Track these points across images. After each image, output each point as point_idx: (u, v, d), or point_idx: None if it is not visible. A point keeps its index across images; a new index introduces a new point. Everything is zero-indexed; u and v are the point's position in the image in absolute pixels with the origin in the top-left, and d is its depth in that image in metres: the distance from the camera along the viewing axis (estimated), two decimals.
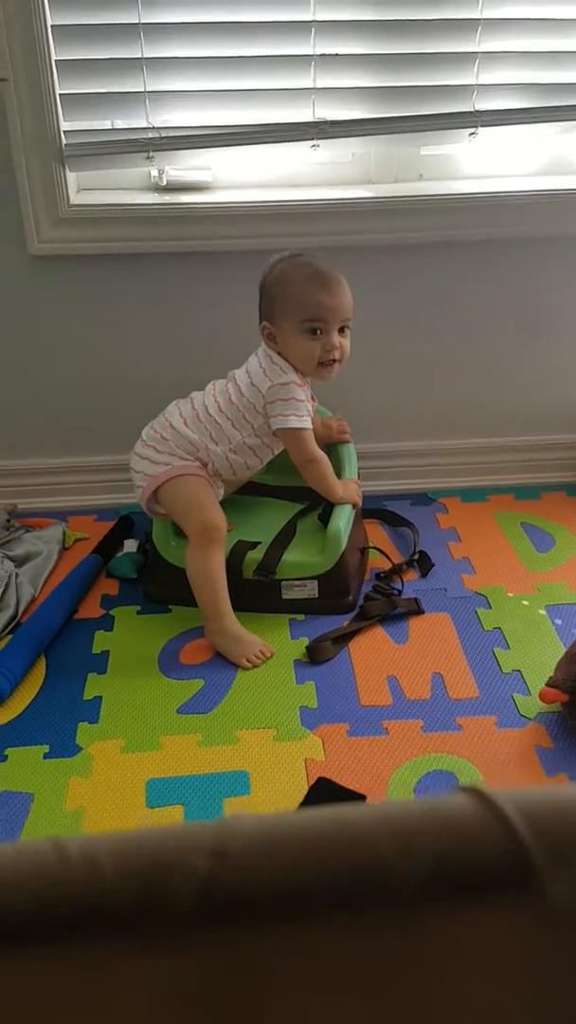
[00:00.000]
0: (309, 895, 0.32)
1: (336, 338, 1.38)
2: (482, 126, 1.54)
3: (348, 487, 1.52)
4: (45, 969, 0.31)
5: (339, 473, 1.56)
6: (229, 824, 0.34)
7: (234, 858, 0.32)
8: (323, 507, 1.55)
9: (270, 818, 0.35)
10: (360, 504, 1.54)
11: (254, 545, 1.49)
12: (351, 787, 1.16)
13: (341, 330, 1.39)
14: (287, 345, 1.40)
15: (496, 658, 1.39)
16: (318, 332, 1.37)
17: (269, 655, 1.40)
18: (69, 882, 0.31)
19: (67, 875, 0.31)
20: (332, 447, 1.60)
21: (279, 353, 1.42)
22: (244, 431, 1.45)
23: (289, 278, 1.38)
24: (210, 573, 1.41)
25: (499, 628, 1.45)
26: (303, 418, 1.43)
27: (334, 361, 1.40)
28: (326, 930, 0.33)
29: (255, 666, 1.39)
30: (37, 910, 0.30)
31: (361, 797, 1.14)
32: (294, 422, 1.42)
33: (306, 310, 1.36)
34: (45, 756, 1.23)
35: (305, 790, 1.16)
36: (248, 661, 1.39)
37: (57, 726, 1.28)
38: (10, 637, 1.42)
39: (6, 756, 1.23)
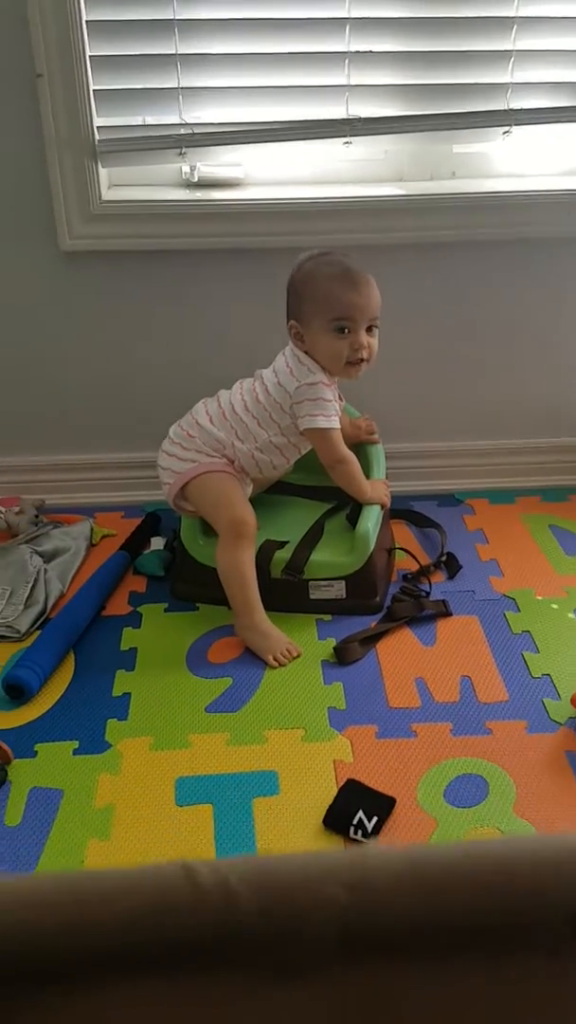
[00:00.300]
0: (453, 931, 0.31)
1: (364, 337, 1.37)
2: (516, 125, 1.53)
3: (376, 487, 1.51)
4: (171, 1001, 0.30)
5: (367, 473, 1.55)
6: (367, 855, 0.33)
7: (374, 891, 0.31)
8: (351, 507, 1.55)
9: (406, 850, 0.34)
10: (388, 505, 1.53)
11: (282, 544, 1.49)
12: (381, 790, 1.15)
13: (369, 329, 1.38)
14: (315, 344, 1.39)
15: (526, 662, 1.38)
16: (346, 331, 1.36)
17: (296, 654, 1.40)
18: (201, 911, 0.30)
19: (199, 903, 0.30)
20: (360, 447, 1.60)
21: (307, 352, 1.41)
22: (271, 430, 1.44)
23: (317, 277, 1.37)
24: (240, 569, 1.41)
25: (528, 631, 1.44)
26: (331, 418, 1.42)
27: (362, 360, 1.39)
28: (469, 966, 0.32)
29: (282, 665, 1.38)
30: (167, 939, 0.30)
31: (391, 800, 1.14)
32: (322, 422, 1.41)
33: (334, 309, 1.35)
34: (75, 752, 1.24)
35: (334, 792, 1.16)
36: (276, 659, 1.38)
37: (86, 722, 1.28)
38: (39, 633, 1.42)
39: (36, 752, 1.23)
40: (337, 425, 1.44)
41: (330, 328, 1.36)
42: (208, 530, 1.51)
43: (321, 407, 1.41)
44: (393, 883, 0.32)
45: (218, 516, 1.43)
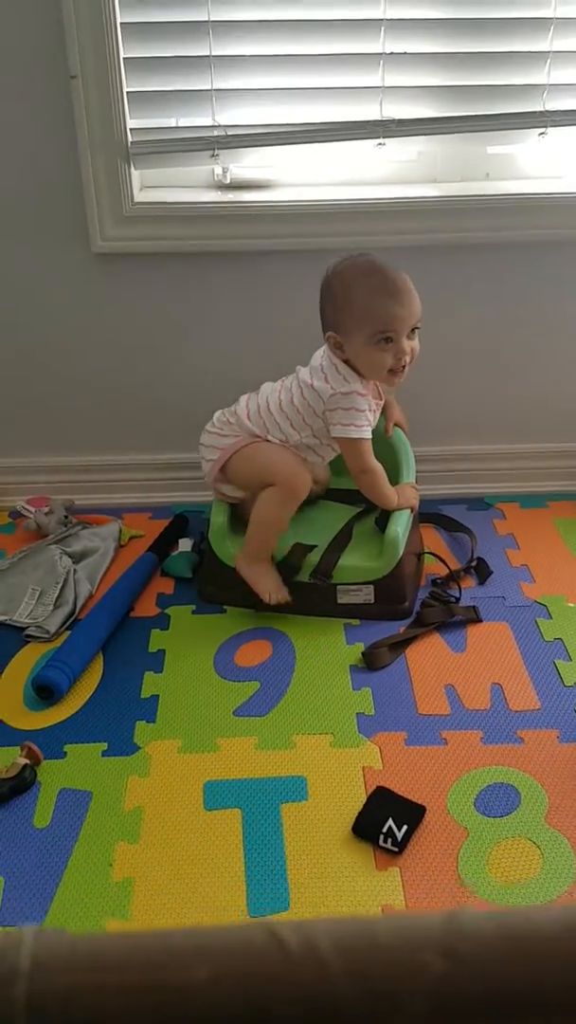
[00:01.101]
0: (552, 1004, 0.30)
1: (406, 344, 1.35)
2: (552, 126, 1.51)
3: (404, 492, 1.50)
4: None
5: (397, 476, 1.54)
6: (459, 920, 0.32)
7: (468, 961, 0.30)
8: (379, 511, 1.54)
9: (502, 915, 0.33)
10: (417, 507, 1.52)
11: (310, 548, 1.48)
12: (410, 797, 1.14)
13: (411, 332, 1.36)
14: (357, 356, 1.37)
15: (558, 670, 1.36)
16: (390, 342, 1.34)
17: (284, 601, 1.45)
18: (291, 978, 0.29)
19: (288, 969, 0.29)
20: (391, 450, 1.58)
21: (346, 361, 1.39)
22: (303, 432, 1.44)
23: (356, 289, 1.33)
24: (276, 523, 1.44)
25: (560, 639, 1.43)
26: (363, 428, 1.41)
27: (404, 367, 1.37)
28: None
29: (269, 603, 1.44)
30: (254, 1008, 0.28)
31: (421, 808, 1.13)
32: (353, 432, 1.40)
33: (377, 324, 1.32)
34: (103, 754, 1.24)
35: (363, 799, 1.15)
36: (268, 595, 1.44)
37: (115, 724, 1.28)
38: (68, 633, 1.43)
39: (65, 753, 1.24)
40: (368, 435, 1.42)
41: (374, 341, 1.33)
42: (237, 531, 1.51)
43: (353, 417, 1.40)
44: (489, 951, 0.31)
45: (275, 473, 1.42)
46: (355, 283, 1.33)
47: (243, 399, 1.49)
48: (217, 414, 1.50)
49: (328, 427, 1.41)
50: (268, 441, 1.45)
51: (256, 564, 1.46)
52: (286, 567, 1.46)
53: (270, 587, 1.45)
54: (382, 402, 1.49)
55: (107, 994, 0.29)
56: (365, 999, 0.29)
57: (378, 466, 1.46)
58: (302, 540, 1.49)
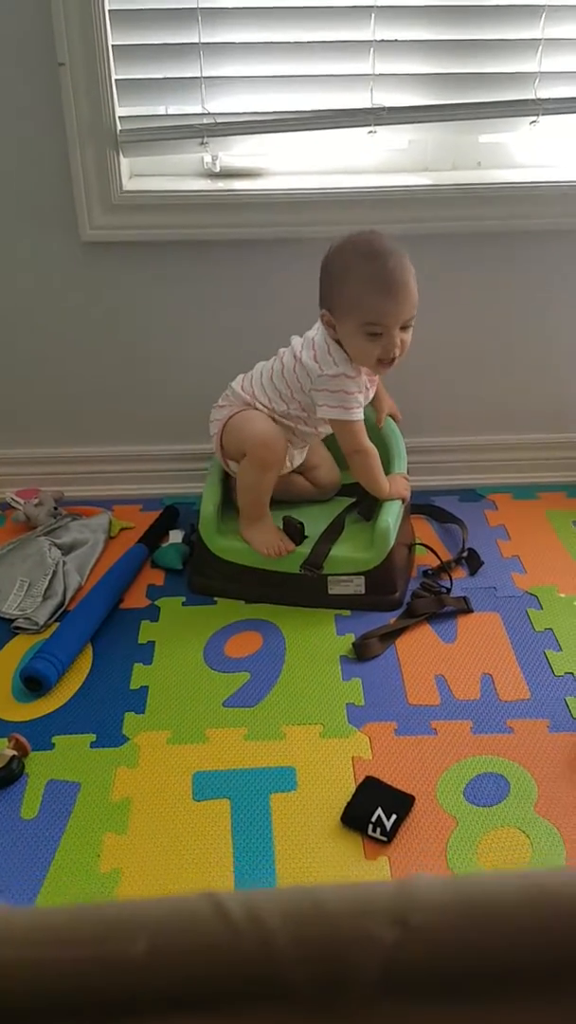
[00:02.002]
0: (504, 972, 0.29)
1: (397, 338, 1.32)
2: (544, 114, 1.50)
3: (396, 482, 1.50)
4: None
5: (389, 467, 1.53)
6: (411, 887, 0.31)
7: (420, 929, 0.29)
8: (364, 502, 1.53)
9: (456, 883, 0.32)
10: (408, 498, 1.51)
11: (299, 522, 1.47)
12: (400, 787, 1.14)
13: (404, 326, 1.33)
14: (347, 341, 1.35)
15: (548, 660, 1.36)
16: (379, 335, 1.32)
17: (289, 551, 1.44)
18: (234, 949, 0.28)
19: (231, 941, 0.28)
20: (383, 441, 1.57)
21: (338, 341, 1.37)
22: (290, 404, 1.43)
23: (354, 274, 1.30)
24: (259, 487, 1.45)
25: (551, 629, 1.42)
26: (351, 410, 1.40)
27: (394, 359, 1.36)
28: (520, 1008, 0.29)
29: (269, 555, 1.44)
30: (196, 979, 0.28)
31: (410, 798, 1.12)
32: (340, 414, 1.40)
33: (368, 315, 1.30)
34: (92, 745, 1.23)
35: (352, 789, 1.15)
36: (267, 548, 1.44)
37: (104, 715, 1.28)
38: (57, 625, 1.42)
39: (53, 744, 1.23)
40: (357, 417, 1.41)
41: (363, 331, 1.32)
42: (228, 522, 1.50)
43: (340, 399, 1.39)
44: (441, 919, 0.30)
45: (247, 440, 1.43)
46: (352, 268, 1.30)
47: (241, 374, 1.50)
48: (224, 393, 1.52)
49: (315, 407, 1.41)
50: (255, 409, 1.45)
51: (252, 524, 1.47)
52: (291, 537, 1.47)
53: (266, 541, 1.45)
54: (376, 379, 1.48)
55: (43, 969, 0.28)
56: (313, 971, 0.28)
57: (371, 447, 1.45)
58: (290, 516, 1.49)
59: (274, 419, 1.44)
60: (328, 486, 1.61)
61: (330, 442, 1.56)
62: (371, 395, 1.47)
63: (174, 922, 0.30)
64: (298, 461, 1.56)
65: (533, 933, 0.30)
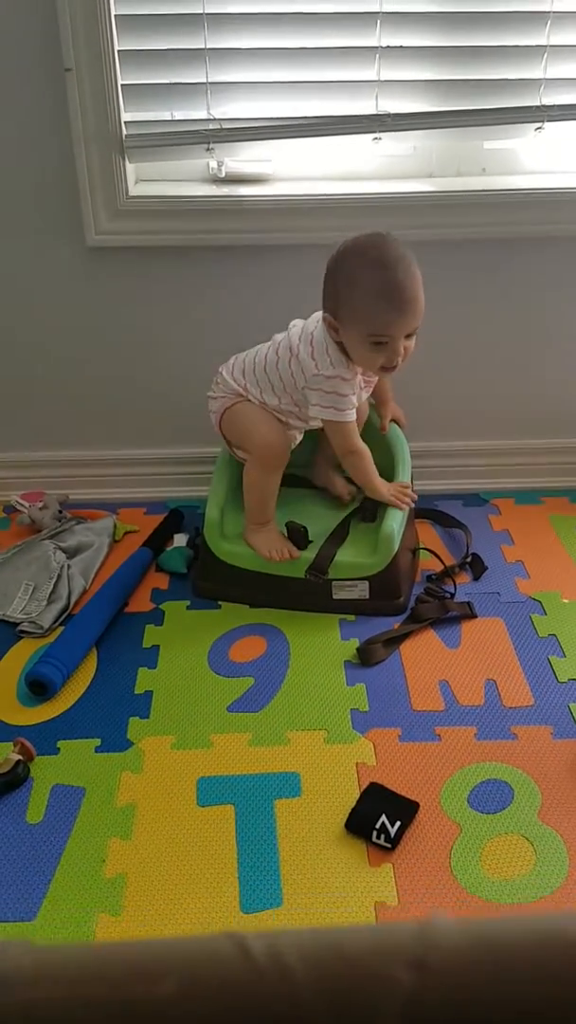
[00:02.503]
0: (521, 1014, 0.29)
1: (401, 347, 1.31)
2: (548, 121, 1.50)
3: (393, 490, 1.49)
4: None
5: (392, 472, 1.54)
6: (429, 929, 0.31)
7: (438, 971, 0.29)
8: (367, 504, 1.54)
9: (474, 925, 0.32)
10: (404, 508, 1.49)
11: (303, 527, 1.47)
12: (404, 794, 1.14)
13: (408, 335, 1.32)
14: (350, 347, 1.34)
15: (552, 666, 1.36)
16: (384, 344, 1.30)
17: (293, 557, 1.45)
18: (257, 990, 0.28)
19: (254, 981, 0.28)
20: (387, 446, 1.58)
21: (339, 343, 1.36)
22: (283, 399, 1.43)
23: (361, 284, 1.27)
24: (264, 488, 1.46)
25: (554, 635, 1.42)
26: (344, 412, 1.39)
27: (396, 366, 1.35)
28: None
29: (273, 560, 1.44)
30: (216, 1018, 0.28)
31: (415, 804, 1.13)
32: (332, 415, 1.39)
33: (374, 327, 1.28)
34: (96, 750, 1.23)
35: (357, 795, 1.15)
36: (270, 554, 1.44)
37: (108, 720, 1.28)
38: (62, 629, 1.42)
39: (58, 749, 1.23)
40: (349, 418, 1.40)
41: (367, 341, 1.30)
42: (233, 525, 1.50)
43: (333, 400, 1.38)
44: (459, 961, 0.30)
45: (250, 440, 1.46)
46: (360, 278, 1.28)
47: (232, 357, 1.50)
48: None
49: (308, 405, 1.40)
50: (249, 402, 1.45)
51: (256, 529, 1.48)
52: (295, 541, 1.47)
53: (270, 547, 1.45)
54: (374, 379, 1.46)
55: (71, 1008, 0.29)
56: (334, 1011, 0.29)
57: (364, 448, 1.45)
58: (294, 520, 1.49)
59: (266, 408, 1.45)
60: (347, 492, 1.61)
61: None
62: (364, 396, 1.46)
63: (200, 963, 0.30)
64: (297, 439, 1.54)
65: (550, 975, 0.30)
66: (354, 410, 1.41)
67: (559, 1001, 0.30)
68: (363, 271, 1.28)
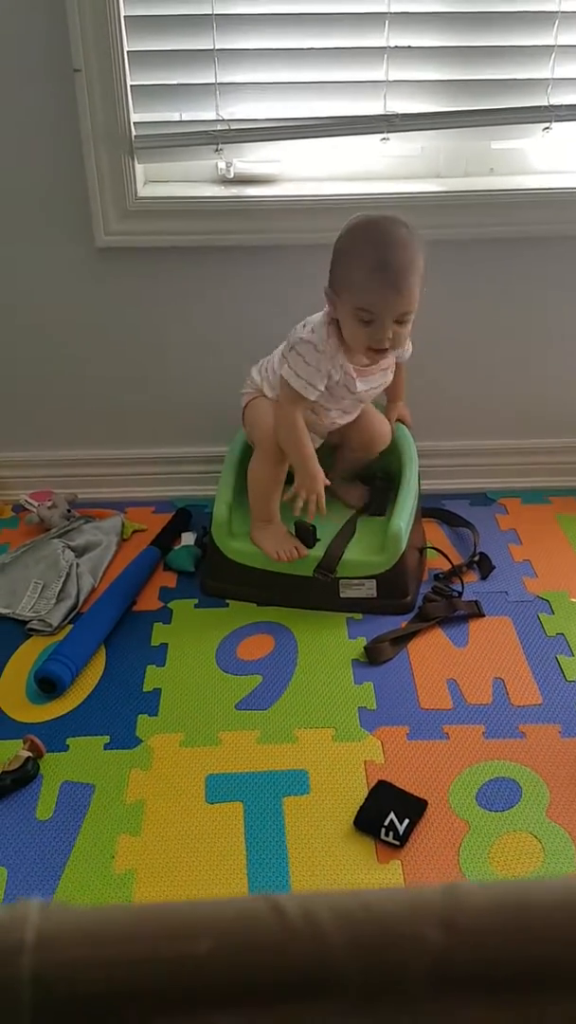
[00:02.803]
0: (548, 973, 0.30)
1: (388, 330, 1.30)
2: (556, 121, 1.50)
3: (314, 479, 1.41)
4: None
5: (400, 471, 1.54)
6: (456, 891, 0.32)
7: (467, 931, 0.30)
8: (375, 499, 1.55)
9: (500, 887, 0.33)
10: (313, 498, 1.42)
11: (312, 526, 1.47)
12: (412, 792, 1.15)
13: (400, 319, 1.31)
14: (342, 320, 1.34)
15: (560, 665, 1.36)
16: (371, 322, 1.30)
17: (301, 555, 1.45)
18: (290, 949, 0.29)
19: (287, 940, 0.29)
20: (394, 445, 1.58)
21: (335, 319, 1.36)
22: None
23: (356, 256, 1.28)
24: (268, 481, 1.46)
25: (562, 634, 1.43)
26: (301, 381, 1.36)
27: (385, 349, 1.34)
28: (565, 1009, 0.30)
29: (281, 560, 1.44)
30: (254, 977, 0.29)
31: (423, 802, 1.13)
32: (287, 374, 1.37)
33: (360, 300, 1.28)
34: (106, 747, 1.24)
35: (365, 793, 1.15)
36: (278, 554, 1.44)
37: (117, 717, 1.29)
38: (71, 627, 1.43)
39: (68, 746, 1.24)
40: (300, 390, 1.37)
41: (354, 315, 1.30)
42: (240, 525, 1.51)
43: (298, 365, 1.36)
44: (486, 922, 0.31)
45: (255, 429, 1.47)
46: (357, 250, 1.29)
47: (263, 357, 1.53)
48: None
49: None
50: (266, 397, 1.47)
51: (262, 527, 1.48)
52: (303, 539, 1.47)
53: (277, 546, 1.46)
54: (375, 378, 1.45)
55: (112, 967, 0.29)
56: (365, 970, 0.29)
57: (295, 421, 1.40)
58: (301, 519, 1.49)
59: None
60: (357, 499, 1.60)
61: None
62: (366, 391, 1.44)
63: (235, 922, 0.31)
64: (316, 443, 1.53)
65: (573, 935, 0.31)
66: (313, 390, 1.38)
67: None
68: (362, 246, 1.29)
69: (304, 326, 1.40)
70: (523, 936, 0.31)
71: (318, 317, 1.40)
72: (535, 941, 0.31)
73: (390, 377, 1.49)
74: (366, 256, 1.28)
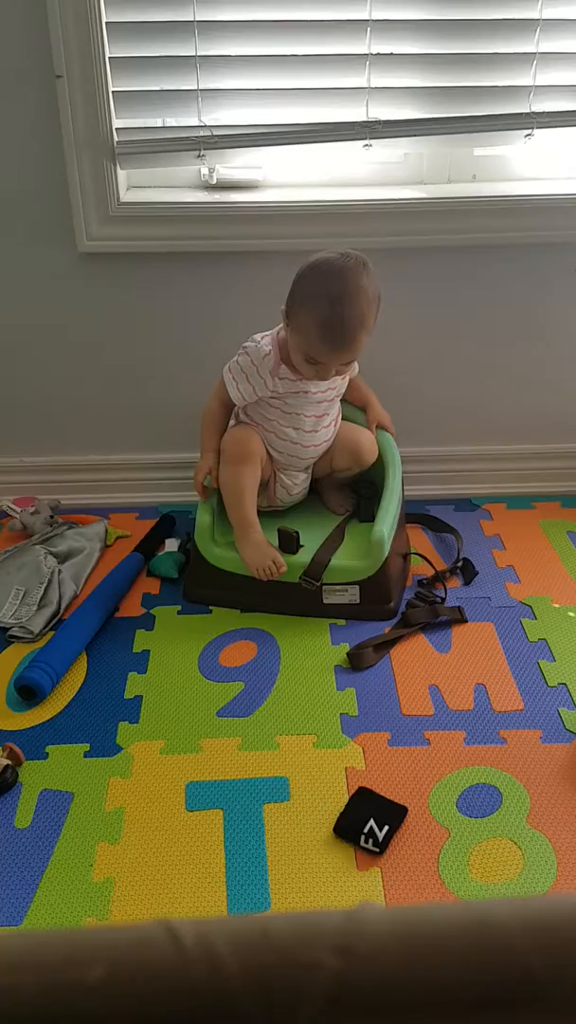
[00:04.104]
0: (444, 1002, 0.30)
1: (333, 370, 1.39)
2: (538, 127, 1.51)
3: (199, 468, 1.50)
4: None
5: (383, 477, 1.54)
6: (357, 916, 0.32)
7: (364, 958, 0.30)
8: (361, 505, 1.55)
9: (400, 913, 0.33)
10: (202, 495, 1.51)
11: (295, 531, 1.47)
12: (392, 798, 1.14)
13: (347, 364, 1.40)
14: (290, 346, 1.40)
15: (541, 670, 1.36)
16: (318, 363, 1.37)
17: (280, 572, 1.44)
18: (185, 977, 0.29)
19: (182, 968, 0.29)
20: (378, 452, 1.58)
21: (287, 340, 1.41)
22: (266, 423, 1.48)
23: (310, 308, 1.33)
24: (240, 486, 1.45)
25: (544, 639, 1.43)
26: (231, 379, 1.44)
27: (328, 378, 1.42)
28: None
29: (265, 579, 1.44)
30: (148, 1006, 0.28)
31: (403, 809, 1.13)
32: (225, 373, 1.45)
33: (309, 348, 1.35)
34: (86, 755, 1.23)
35: (346, 799, 1.15)
36: (259, 572, 1.44)
37: (98, 725, 1.28)
38: (52, 634, 1.42)
39: (47, 753, 1.23)
40: (230, 390, 1.45)
41: (302, 352, 1.37)
42: (222, 532, 1.51)
43: (235, 366, 1.44)
44: (385, 949, 0.31)
45: (224, 445, 1.49)
46: (312, 301, 1.33)
47: None
48: None
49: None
50: (245, 424, 1.52)
51: (242, 537, 1.46)
52: (285, 548, 1.47)
53: (260, 562, 1.44)
54: (334, 387, 1.49)
55: (5, 993, 0.29)
56: (260, 998, 0.29)
57: (212, 413, 1.50)
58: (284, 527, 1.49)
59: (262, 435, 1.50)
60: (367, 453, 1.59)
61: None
62: (330, 419, 1.51)
63: (129, 949, 0.30)
64: (299, 487, 1.57)
65: (472, 961, 0.31)
66: (242, 397, 1.45)
67: (479, 986, 0.30)
68: (315, 299, 1.33)
69: (261, 337, 1.45)
70: (420, 961, 0.31)
71: (271, 333, 1.45)
72: (432, 967, 0.31)
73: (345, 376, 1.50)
74: (320, 309, 1.32)
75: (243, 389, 1.44)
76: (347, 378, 1.51)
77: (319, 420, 1.49)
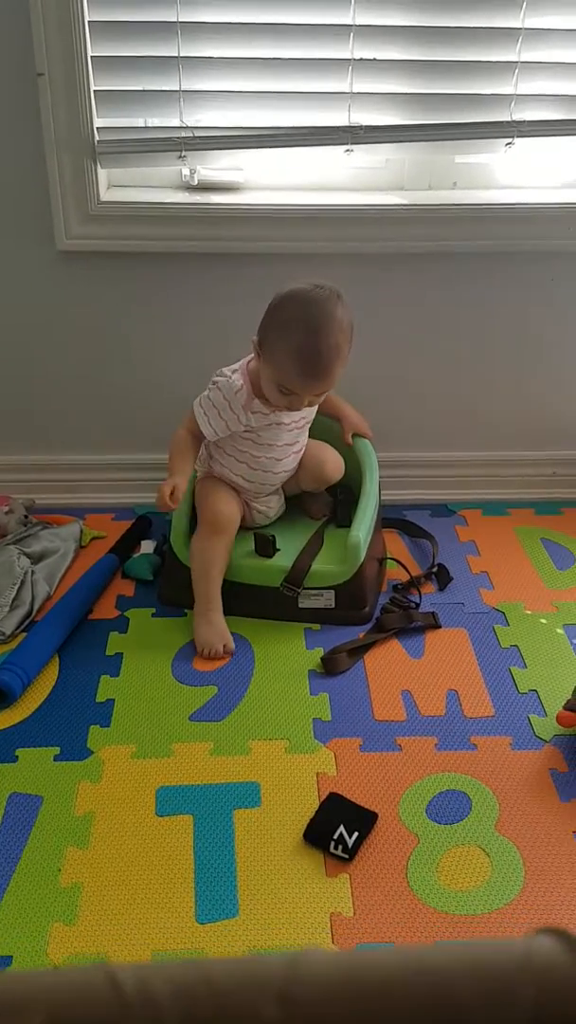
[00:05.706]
0: None
1: (306, 400, 1.38)
2: (519, 136, 1.52)
3: (161, 490, 1.38)
4: None
5: (360, 482, 1.54)
6: (298, 963, 0.32)
7: (303, 1004, 0.30)
8: (339, 509, 1.56)
9: (344, 959, 0.33)
10: (163, 505, 1.41)
11: (271, 536, 1.47)
12: (363, 804, 1.15)
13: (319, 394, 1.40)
14: (262, 376, 1.38)
15: (513, 677, 1.37)
16: (290, 394, 1.36)
17: (226, 658, 1.40)
18: (122, 1021, 0.28)
19: (122, 1017, 0.29)
20: (354, 457, 1.58)
21: (257, 371, 1.40)
22: (236, 466, 1.47)
23: (285, 336, 1.32)
24: (209, 557, 1.43)
25: (516, 646, 1.44)
26: (205, 412, 1.41)
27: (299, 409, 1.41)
28: None
29: (205, 658, 1.40)
30: None
31: (373, 815, 1.13)
32: (196, 407, 1.42)
33: (282, 379, 1.34)
34: (55, 758, 1.22)
35: (316, 805, 1.15)
36: (204, 652, 1.40)
37: (68, 728, 1.27)
38: (24, 635, 1.41)
39: (16, 757, 1.22)
40: (207, 433, 1.42)
41: (274, 382, 1.36)
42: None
43: (207, 402, 1.41)
44: (326, 996, 0.31)
45: (202, 510, 1.47)
46: (287, 332, 1.32)
47: None
48: None
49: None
50: (215, 477, 1.50)
51: (201, 614, 1.44)
52: (261, 552, 1.47)
53: (210, 644, 1.40)
54: (306, 416, 1.48)
55: None
56: None
57: (182, 440, 1.44)
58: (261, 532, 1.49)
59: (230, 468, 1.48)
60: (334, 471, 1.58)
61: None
62: (301, 442, 1.50)
63: (69, 996, 0.30)
64: (275, 508, 1.56)
65: (413, 1008, 0.31)
66: (214, 433, 1.42)
67: None
68: (290, 330, 1.32)
69: (231, 372, 1.42)
70: (361, 1007, 0.31)
71: (238, 365, 1.43)
72: (373, 1013, 0.31)
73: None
74: (293, 340, 1.31)
75: (215, 425, 1.41)
76: (316, 406, 1.48)
77: (290, 447, 1.49)
